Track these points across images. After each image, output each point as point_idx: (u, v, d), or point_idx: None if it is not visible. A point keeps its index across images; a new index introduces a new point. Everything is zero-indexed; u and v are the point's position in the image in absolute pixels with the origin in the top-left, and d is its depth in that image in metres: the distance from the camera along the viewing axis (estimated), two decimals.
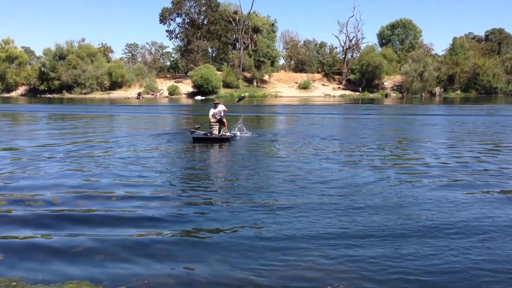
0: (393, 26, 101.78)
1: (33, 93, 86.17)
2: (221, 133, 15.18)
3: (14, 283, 4.33)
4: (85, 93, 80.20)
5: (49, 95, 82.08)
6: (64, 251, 5.15)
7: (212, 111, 15.45)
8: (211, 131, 15.01)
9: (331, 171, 9.42)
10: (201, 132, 15.13)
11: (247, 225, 5.96)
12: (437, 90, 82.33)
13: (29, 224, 6.08)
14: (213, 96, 68.91)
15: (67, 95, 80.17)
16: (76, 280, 4.39)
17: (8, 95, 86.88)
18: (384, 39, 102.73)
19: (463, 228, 5.85)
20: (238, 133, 16.51)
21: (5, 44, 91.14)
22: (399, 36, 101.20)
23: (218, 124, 15.21)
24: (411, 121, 24.83)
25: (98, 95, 79.50)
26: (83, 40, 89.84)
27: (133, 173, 9.20)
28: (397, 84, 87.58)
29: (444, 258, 4.87)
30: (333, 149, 13.05)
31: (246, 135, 16.50)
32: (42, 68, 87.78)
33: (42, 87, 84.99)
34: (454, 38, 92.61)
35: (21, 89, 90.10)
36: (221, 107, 15.51)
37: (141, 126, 21.61)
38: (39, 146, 13.57)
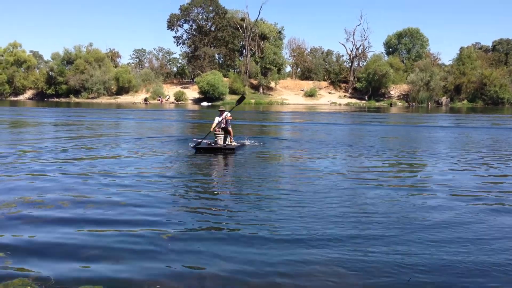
0: (400, 35, 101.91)
1: (40, 97, 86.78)
2: (227, 142, 14.14)
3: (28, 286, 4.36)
4: (92, 98, 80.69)
5: (56, 99, 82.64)
6: (73, 253, 5.18)
7: (217, 119, 14.34)
8: (216, 141, 13.90)
9: (336, 181, 9.39)
10: (205, 142, 14.17)
11: (251, 231, 5.96)
12: (444, 99, 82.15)
13: (39, 226, 6.12)
14: (219, 103, 69.14)
15: (74, 99, 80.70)
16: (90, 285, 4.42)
17: (15, 98, 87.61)
18: (391, 47, 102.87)
19: (471, 241, 5.83)
20: (246, 142, 15.71)
21: (13, 48, 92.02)
22: (406, 45, 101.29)
23: (223, 133, 14.12)
24: (419, 131, 24.76)
25: (105, 99, 79.94)
26: (91, 45, 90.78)
27: (131, 180, 9.15)
28: (403, 93, 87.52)
29: (454, 269, 4.86)
30: (339, 158, 13.04)
31: (254, 144, 15.68)
32: (50, 72, 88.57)
33: (49, 91, 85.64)
34: (461, 48, 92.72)
35: (29, 93, 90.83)
36: (226, 115, 14.45)
37: (146, 131, 21.62)
38: (36, 151, 13.64)
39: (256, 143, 15.89)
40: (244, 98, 16.40)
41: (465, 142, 18.24)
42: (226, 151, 13.49)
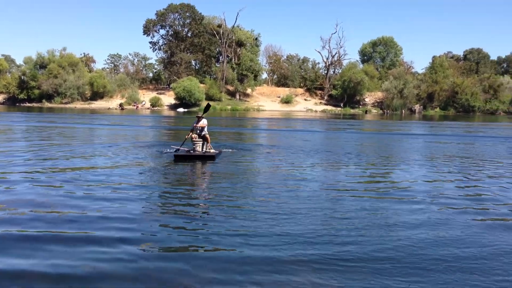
0: (374, 44, 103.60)
1: (12, 102, 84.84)
2: (205, 149, 13.94)
3: None
4: (66, 103, 79.30)
5: (28, 104, 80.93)
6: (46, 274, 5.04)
7: (194, 124, 14.25)
8: (194, 148, 13.77)
9: (314, 191, 9.42)
10: (183, 149, 13.92)
11: (231, 245, 5.92)
12: (417, 107, 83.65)
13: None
14: (195, 109, 68.84)
15: (47, 104, 79.18)
16: None
17: None
18: (365, 56, 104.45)
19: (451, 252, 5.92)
20: (223, 149, 15.48)
21: None
22: (380, 53, 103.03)
23: (201, 140, 13.94)
24: (392, 137, 25.12)
25: (78, 105, 78.69)
26: (64, 49, 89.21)
27: (108, 189, 8.99)
28: (378, 100, 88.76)
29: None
30: (315, 164, 13.11)
31: (232, 151, 15.52)
32: (22, 77, 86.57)
33: (21, 96, 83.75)
34: (434, 57, 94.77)
35: (0, 97, 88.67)
36: (204, 122, 14.25)
37: (121, 138, 21.30)
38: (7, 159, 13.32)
39: (233, 150, 15.74)
40: (210, 106, 16.02)
41: (438, 150, 18.56)
42: (206, 158, 13.30)
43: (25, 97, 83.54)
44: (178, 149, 13.84)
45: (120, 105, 76.30)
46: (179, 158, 13.25)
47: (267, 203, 8.01)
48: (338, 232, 6.39)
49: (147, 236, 6.13)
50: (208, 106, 15.90)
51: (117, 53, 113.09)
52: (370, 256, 5.46)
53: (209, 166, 12.49)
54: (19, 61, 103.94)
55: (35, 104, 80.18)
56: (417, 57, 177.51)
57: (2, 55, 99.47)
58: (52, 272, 4.85)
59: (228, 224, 6.67)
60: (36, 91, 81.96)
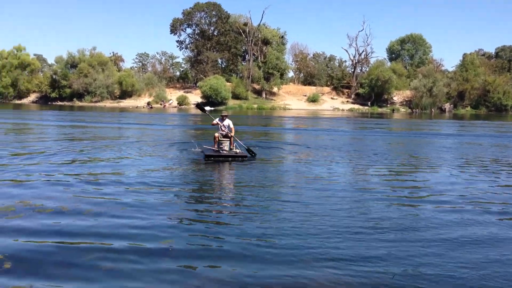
0: (402, 41, 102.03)
1: (44, 101, 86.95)
2: (233, 149, 13.88)
3: None
4: (95, 102, 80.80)
5: (60, 103, 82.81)
6: (75, 261, 5.17)
7: (217, 120, 14.32)
8: (221, 147, 13.71)
9: (342, 193, 9.32)
10: (211, 148, 13.81)
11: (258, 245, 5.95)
12: (447, 106, 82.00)
13: (40, 232, 6.12)
14: (222, 107, 69.20)
15: (77, 103, 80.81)
16: None
17: (19, 101, 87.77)
18: (393, 53, 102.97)
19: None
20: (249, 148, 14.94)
21: (17, 51, 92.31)
22: (409, 51, 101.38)
23: (228, 139, 13.92)
24: (421, 137, 24.72)
25: (108, 103, 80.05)
26: (94, 48, 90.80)
27: (135, 188, 9.08)
28: (406, 99, 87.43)
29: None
30: (343, 164, 13.03)
31: (256, 148, 15.04)
32: (54, 76, 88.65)
33: (53, 95, 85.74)
34: (465, 54, 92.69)
35: (33, 96, 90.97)
36: (228, 122, 14.25)
37: (151, 136, 21.56)
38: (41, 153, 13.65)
39: (256, 147, 15.31)
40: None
41: (470, 150, 18.19)
42: (237, 158, 13.23)
43: (57, 96, 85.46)
44: (208, 148, 13.80)
45: (148, 103, 77.28)
46: (209, 157, 13.15)
47: (293, 204, 7.95)
48: (369, 244, 6.23)
49: (165, 236, 6.17)
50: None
51: (145, 52, 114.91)
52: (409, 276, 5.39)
53: (236, 165, 12.51)
54: (50, 60, 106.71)
55: (66, 103, 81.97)
56: (447, 54, 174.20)
57: (34, 54, 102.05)
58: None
59: (247, 226, 6.60)
60: (67, 90, 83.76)
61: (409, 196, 8.99)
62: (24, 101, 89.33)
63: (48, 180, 9.57)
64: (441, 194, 9.17)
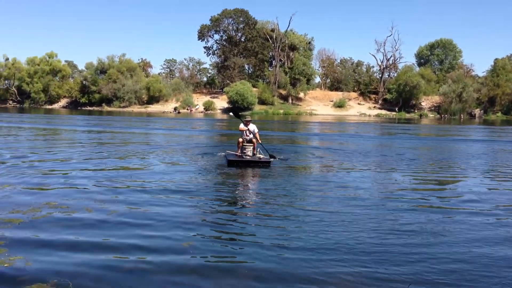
0: (432, 46, 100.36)
1: (74, 106, 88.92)
2: (256, 154, 13.59)
3: None
4: (124, 107, 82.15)
5: (89, 108, 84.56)
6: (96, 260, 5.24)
7: (242, 125, 14.02)
8: (245, 152, 13.49)
9: (369, 200, 9.10)
10: (233, 153, 13.67)
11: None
12: (477, 111, 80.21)
13: (65, 229, 6.22)
14: (247, 113, 69.39)
15: (106, 108, 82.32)
16: None
17: (50, 106, 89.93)
18: (422, 59, 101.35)
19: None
20: (275, 156, 14.35)
21: (49, 57, 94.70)
22: (438, 56, 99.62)
23: (252, 144, 13.74)
24: (452, 143, 24.23)
25: (136, 108, 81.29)
26: (123, 55, 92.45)
27: (156, 192, 9.06)
28: (435, 104, 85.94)
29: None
30: (370, 171, 12.86)
31: (281, 158, 14.53)
32: (84, 82, 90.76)
33: (83, 100, 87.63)
34: (496, 59, 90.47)
35: (63, 101, 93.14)
36: (252, 127, 14.03)
37: (177, 140, 21.75)
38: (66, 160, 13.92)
39: (285, 158, 14.76)
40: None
41: (500, 157, 17.72)
42: (260, 164, 12.87)
43: (86, 101, 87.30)
44: (231, 154, 13.71)
45: (175, 108, 78.16)
46: (232, 163, 12.92)
47: (317, 213, 7.68)
48: (394, 250, 6.06)
49: (185, 240, 6.18)
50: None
51: (173, 58, 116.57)
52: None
53: (259, 171, 12.29)
54: (81, 66, 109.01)
55: (95, 108, 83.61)
56: (478, 59, 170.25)
57: (66, 61, 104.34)
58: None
59: (268, 235, 6.40)
60: (97, 95, 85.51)
61: (437, 204, 8.71)
62: (55, 106, 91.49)
63: (71, 187, 9.66)
64: (470, 201, 8.92)
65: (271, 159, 13.52)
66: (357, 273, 5.03)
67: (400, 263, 5.35)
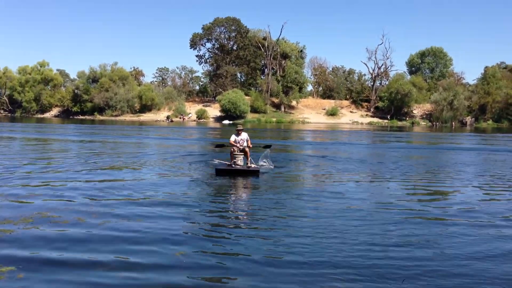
0: (422, 54, 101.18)
1: (66, 115, 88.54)
2: (248, 164, 13.33)
3: None
4: (116, 115, 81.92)
5: (81, 117, 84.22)
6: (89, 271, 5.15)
7: (233, 137, 13.89)
8: (235, 162, 13.16)
9: (361, 211, 9.06)
10: (224, 163, 13.54)
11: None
12: (468, 119, 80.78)
13: (55, 243, 6.13)
14: (240, 121, 69.40)
15: (98, 117, 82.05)
16: None
17: (42, 115, 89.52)
18: (413, 67, 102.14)
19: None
20: (264, 163, 14.20)
21: (40, 66, 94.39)
22: (429, 64, 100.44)
23: (242, 154, 13.46)
24: (444, 152, 24.31)
25: (128, 117, 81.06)
26: (115, 64, 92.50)
27: (144, 204, 8.95)
28: (426, 112, 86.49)
29: None
30: (362, 180, 12.84)
31: (270, 166, 14.25)
32: (76, 91, 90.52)
33: (75, 109, 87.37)
34: (486, 67, 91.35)
35: (55, 110, 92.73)
36: (244, 136, 13.94)
37: (168, 149, 21.64)
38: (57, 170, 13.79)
39: (270, 166, 14.46)
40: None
41: (492, 165, 17.80)
42: (249, 174, 12.61)
43: (78, 110, 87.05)
44: (221, 163, 13.61)
45: (168, 117, 78.05)
46: (220, 173, 12.70)
47: (308, 221, 7.70)
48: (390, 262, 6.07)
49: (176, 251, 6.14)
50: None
51: (165, 67, 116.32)
52: None
53: (250, 179, 12.18)
54: (72, 75, 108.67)
55: (87, 117, 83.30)
56: (468, 67, 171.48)
57: (57, 70, 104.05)
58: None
59: (257, 243, 6.43)
60: (89, 104, 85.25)
61: (431, 215, 8.64)
62: (47, 115, 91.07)
63: (57, 199, 9.58)
64: (463, 210, 8.92)
65: (260, 168, 13.21)
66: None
67: (393, 277, 5.27)
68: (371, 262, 5.73)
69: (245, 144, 13.81)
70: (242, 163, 13.24)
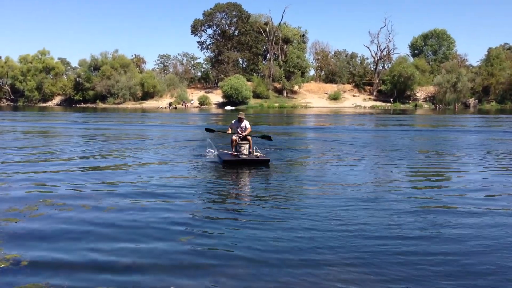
0: (426, 37, 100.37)
1: (68, 103, 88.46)
2: (253, 153, 12.76)
3: None
4: (118, 103, 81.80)
5: (83, 105, 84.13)
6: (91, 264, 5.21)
7: (235, 123, 13.65)
8: (241, 151, 12.65)
9: (367, 195, 8.99)
10: (228, 153, 12.97)
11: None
12: (472, 101, 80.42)
13: (56, 234, 6.18)
14: (242, 106, 69.25)
15: (100, 105, 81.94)
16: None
17: (44, 104, 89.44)
18: (416, 49, 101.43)
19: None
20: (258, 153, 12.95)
21: (41, 55, 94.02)
22: (432, 46, 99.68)
23: (247, 142, 13.00)
24: (447, 134, 24.24)
25: (130, 105, 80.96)
26: (117, 51, 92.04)
27: (151, 195, 8.67)
28: (429, 95, 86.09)
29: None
30: (367, 166, 12.84)
31: (268, 153, 13.93)
32: (78, 79, 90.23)
33: (77, 97, 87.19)
34: (489, 49, 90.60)
35: (57, 99, 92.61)
36: (246, 123, 13.57)
37: (172, 137, 21.61)
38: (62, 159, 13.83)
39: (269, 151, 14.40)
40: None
41: (496, 146, 17.75)
42: (259, 163, 12.09)
43: (81, 98, 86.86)
44: (225, 153, 13.00)
45: (170, 104, 77.95)
46: (228, 163, 12.11)
47: (314, 211, 7.61)
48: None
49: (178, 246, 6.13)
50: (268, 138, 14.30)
51: (166, 54, 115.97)
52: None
53: (255, 170, 11.67)
54: (74, 63, 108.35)
55: (89, 105, 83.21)
56: (472, 49, 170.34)
57: (58, 58, 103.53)
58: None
59: (262, 234, 6.31)
60: (91, 92, 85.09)
61: (437, 203, 8.39)
62: (49, 103, 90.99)
63: (67, 188, 9.63)
64: (467, 194, 8.90)
65: (263, 156, 12.71)
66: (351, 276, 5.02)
67: (397, 267, 5.18)
68: (384, 257, 5.52)
69: (246, 132, 13.42)
70: (247, 152, 12.71)
